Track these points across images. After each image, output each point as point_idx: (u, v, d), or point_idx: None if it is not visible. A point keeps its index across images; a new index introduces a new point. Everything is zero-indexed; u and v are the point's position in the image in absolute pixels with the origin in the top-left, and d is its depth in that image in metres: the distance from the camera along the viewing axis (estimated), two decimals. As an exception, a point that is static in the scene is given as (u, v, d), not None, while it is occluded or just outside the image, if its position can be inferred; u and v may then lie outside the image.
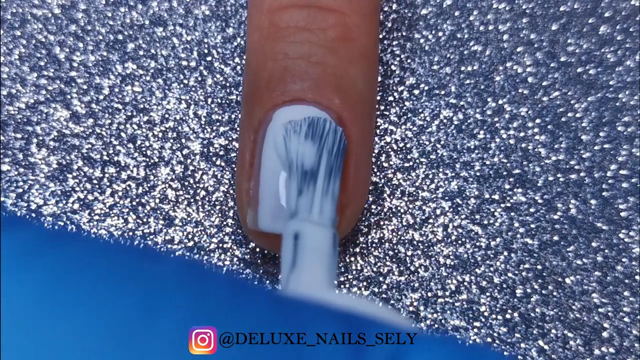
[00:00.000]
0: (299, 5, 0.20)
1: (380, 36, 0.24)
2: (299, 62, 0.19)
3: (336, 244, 0.16)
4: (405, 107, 0.23)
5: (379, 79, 0.23)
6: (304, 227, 0.16)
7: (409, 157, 0.23)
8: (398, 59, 0.23)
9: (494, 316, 0.22)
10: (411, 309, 0.22)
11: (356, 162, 0.20)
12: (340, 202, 0.18)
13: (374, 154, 0.23)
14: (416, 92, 0.23)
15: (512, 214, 0.22)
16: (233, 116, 0.23)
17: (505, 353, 0.21)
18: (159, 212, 0.22)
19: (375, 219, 0.22)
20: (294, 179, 0.17)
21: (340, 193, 0.18)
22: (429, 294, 0.22)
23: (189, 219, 0.22)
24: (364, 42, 0.20)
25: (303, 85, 0.19)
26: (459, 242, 0.22)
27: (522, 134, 0.23)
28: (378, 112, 0.23)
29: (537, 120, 0.23)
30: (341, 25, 0.20)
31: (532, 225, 0.22)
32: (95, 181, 0.22)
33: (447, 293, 0.22)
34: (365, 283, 0.22)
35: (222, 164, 0.23)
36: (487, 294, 0.22)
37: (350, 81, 0.20)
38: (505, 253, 0.22)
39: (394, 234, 0.22)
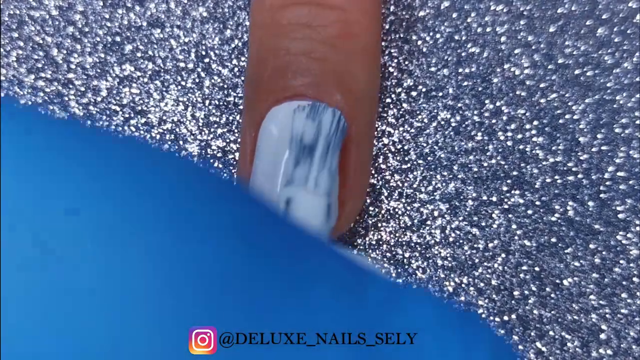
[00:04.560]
0: (300, 3, 0.20)
1: (378, 38, 0.24)
2: (300, 58, 0.19)
3: (331, 216, 0.16)
4: (402, 109, 0.23)
5: (377, 80, 0.23)
6: (297, 193, 0.16)
7: (406, 158, 0.23)
8: (396, 60, 0.23)
9: (491, 318, 0.22)
10: (409, 310, 0.22)
11: (356, 159, 0.20)
12: (339, 198, 0.18)
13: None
14: (414, 94, 0.23)
15: (510, 215, 0.22)
16: (231, 118, 0.23)
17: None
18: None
19: (373, 220, 0.22)
20: (292, 151, 0.17)
21: (340, 189, 0.18)
22: (427, 296, 0.22)
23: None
24: (365, 38, 0.20)
25: (304, 81, 0.19)
26: (457, 244, 0.22)
27: (519, 136, 0.23)
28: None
29: (535, 122, 0.23)
30: (342, 21, 0.20)
31: (530, 227, 0.22)
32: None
33: (445, 295, 0.22)
34: (363, 285, 0.22)
35: (220, 166, 0.23)
36: (485, 295, 0.22)
37: (351, 77, 0.20)
38: (503, 255, 0.22)
39: (391, 235, 0.22)
